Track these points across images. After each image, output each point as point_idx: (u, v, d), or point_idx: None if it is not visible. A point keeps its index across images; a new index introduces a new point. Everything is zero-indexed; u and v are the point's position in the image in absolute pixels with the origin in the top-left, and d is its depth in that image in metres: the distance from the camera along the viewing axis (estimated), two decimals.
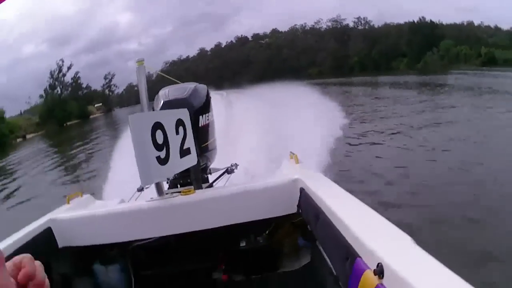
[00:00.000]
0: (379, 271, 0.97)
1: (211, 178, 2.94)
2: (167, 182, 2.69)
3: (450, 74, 32.26)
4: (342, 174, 6.62)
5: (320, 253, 1.86)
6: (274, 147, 5.85)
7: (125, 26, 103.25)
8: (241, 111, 9.95)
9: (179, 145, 1.98)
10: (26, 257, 0.55)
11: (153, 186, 2.15)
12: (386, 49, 60.38)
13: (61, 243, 2.09)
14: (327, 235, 1.51)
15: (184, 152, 2.01)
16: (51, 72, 65.86)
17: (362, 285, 1.05)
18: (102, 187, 6.60)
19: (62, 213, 2.22)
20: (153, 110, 2.39)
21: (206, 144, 2.59)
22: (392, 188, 5.94)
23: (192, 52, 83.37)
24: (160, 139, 1.81)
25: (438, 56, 52.16)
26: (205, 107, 2.57)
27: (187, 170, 2.23)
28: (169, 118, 1.93)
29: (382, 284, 0.96)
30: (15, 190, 11.93)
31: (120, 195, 3.03)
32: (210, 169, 2.89)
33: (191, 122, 2.11)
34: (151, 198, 2.15)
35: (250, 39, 79.72)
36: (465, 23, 58.79)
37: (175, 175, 2.51)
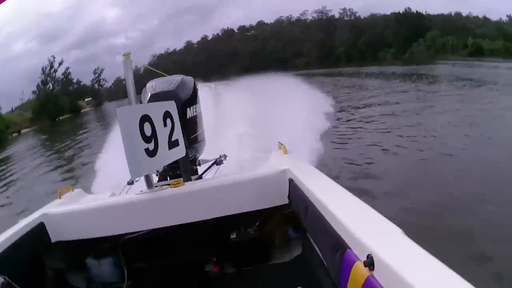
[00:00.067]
0: (369, 263, 0.98)
1: (200, 169, 2.95)
2: (157, 175, 2.71)
3: (436, 64, 32.34)
4: (330, 163, 6.64)
5: (311, 245, 1.88)
6: (263, 138, 5.85)
7: (112, 21, 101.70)
8: (229, 102, 9.95)
9: (167, 137, 1.99)
10: None
11: (143, 179, 2.15)
12: (373, 40, 60.21)
13: (53, 238, 2.10)
14: (316, 226, 1.51)
15: (172, 144, 2.02)
16: (42, 68, 66.17)
17: (353, 277, 1.06)
18: (93, 180, 6.60)
19: (54, 208, 2.22)
20: (141, 103, 2.39)
21: (195, 135, 2.60)
22: (378, 176, 6.00)
23: (179, 45, 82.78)
24: (148, 131, 1.82)
25: (424, 47, 52.28)
26: (192, 99, 2.57)
27: (176, 162, 2.25)
28: (156, 111, 1.94)
29: (372, 276, 0.97)
30: (16, 180, 12.55)
31: (111, 188, 3.04)
32: (199, 161, 2.90)
33: (178, 114, 2.12)
34: (141, 191, 2.16)
35: (236, 31, 79.28)
36: (453, 14, 58.90)
37: (164, 167, 2.53)
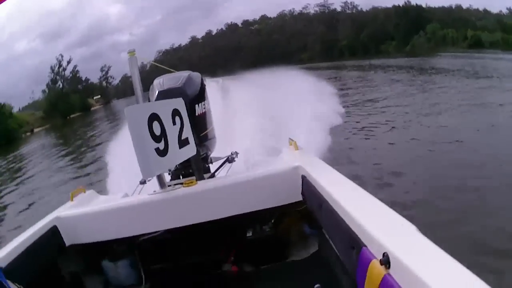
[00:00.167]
0: (385, 261, 0.98)
1: (212, 167, 2.92)
2: (169, 174, 2.69)
3: (437, 56, 32.50)
4: (340, 158, 6.56)
5: (327, 241, 1.87)
6: (273, 133, 5.83)
7: (116, 18, 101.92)
8: (238, 97, 9.88)
9: (177, 135, 1.96)
10: None
11: (155, 177, 2.13)
12: (375, 33, 60.11)
13: (68, 241, 2.09)
14: (331, 223, 1.52)
15: (182, 143, 1.99)
16: (51, 67, 66.28)
17: (370, 275, 1.07)
18: (106, 180, 6.64)
19: (67, 211, 2.21)
20: (149, 100, 2.36)
21: (205, 133, 2.56)
22: (388, 171, 5.90)
23: (184, 40, 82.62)
24: (157, 130, 1.79)
25: (425, 39, 52.25)
26: (201, 95, 2.53)
27: (188, 160, 2.22)
28: (165, 109, 1.90)
29: (389, 274, 0.97)
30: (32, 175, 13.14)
31: (123, 188, 3.02)
32: (211, 158, 2.88)
33: (187, 112, 2.08)
34: (154, 191, 2.14)
35: (240, 25, 79.23)
36: (453, 7, 58.64)
37: (176, 165, 2.49)
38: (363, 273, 1.10)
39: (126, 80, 68.28)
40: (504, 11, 49.40)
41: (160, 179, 2.13)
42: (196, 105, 2.44)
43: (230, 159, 2.99)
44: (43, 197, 9.16)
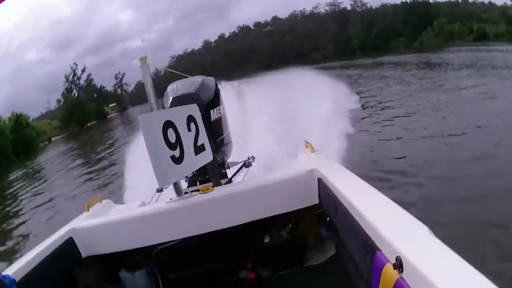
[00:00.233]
0: (398, 265, 0.96)
1: (229, 172, 2.89)
2: (186, 180, 2.67)
3: (445, 52, 32.15)
4: (357, 160, 6.34)
5: (344, 245, 1.83)
6: (289, 136, 5.77)
7: (127, 24, 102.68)
8: (253, 100, 9.84)
9: (193, 142, 1.93)
10: None
11: (172, 185, 2.11)
12: (384, 30, 60.24)
13: (84, 253, 2.07)
14: (347, 227, 1.49)
15: (198, 149, 1.96)
16: (65, 76, 67.88)
17: (384, 279, 1.04)
18: (123, 188, 6.68)
19: (83, 222, 2.20)
20: (163, 106, 2.34)
21: (221, 138, 2.53)
22: (408, 170, 5.73)
23: (197, 44, 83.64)
24: (172, 137, 1.77)
25: (433, 35, 52.47)
26: (215, 100, 2.49)
27: (205, 167, 2.19)
28: (179, 115, 1.88)
29: (402, 278, 0.95)
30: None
31: (141, 196, 3.01)
32: (227, 164, 2.84)
33: (202, 117, 2.05)
34: (171, 199, 2.12)
35: (252, 28, 79.69)
36: (460, 0, 58.59)
37: (193, 172, 2.46)
38: (377, 277, 1.08)
39: (140, 87, 69.00)
40: (509, 3, 49.56)
41: (176, 186, 2.11)
42: (211, 110, 2.41)
43: (247, 164, 2.96)
44: (60, 207, 9.33)
